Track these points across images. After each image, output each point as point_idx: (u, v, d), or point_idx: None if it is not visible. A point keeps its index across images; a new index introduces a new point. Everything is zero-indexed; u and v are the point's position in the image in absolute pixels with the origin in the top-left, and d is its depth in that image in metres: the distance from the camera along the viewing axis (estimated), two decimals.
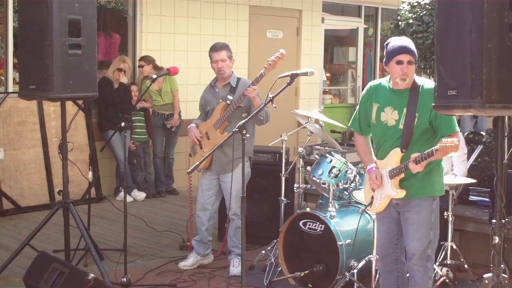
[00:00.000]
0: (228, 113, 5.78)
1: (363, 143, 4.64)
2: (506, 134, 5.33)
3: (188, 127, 6.12)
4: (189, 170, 4.39)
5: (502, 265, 3.64)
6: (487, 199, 6.43)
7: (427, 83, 4.36)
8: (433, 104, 3.74)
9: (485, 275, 3.69)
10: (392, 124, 4.40)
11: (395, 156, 4.36)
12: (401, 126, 4.35)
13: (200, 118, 6.20)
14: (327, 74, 12.47)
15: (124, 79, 8.52)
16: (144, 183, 8.95)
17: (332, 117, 6.93)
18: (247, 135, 4.28)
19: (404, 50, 4.29)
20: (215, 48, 5.93)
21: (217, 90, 6.01)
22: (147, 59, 8.86)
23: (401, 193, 4.37)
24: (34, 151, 8.12)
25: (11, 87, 8.16)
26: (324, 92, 12.18)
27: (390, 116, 4.41)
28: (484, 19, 3.36)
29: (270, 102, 4.56)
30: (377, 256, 4.84)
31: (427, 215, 4.37)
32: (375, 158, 4.54)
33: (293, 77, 4.62)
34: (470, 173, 6.48)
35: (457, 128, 4.35)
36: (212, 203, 6.06)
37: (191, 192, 6.58)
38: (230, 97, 5.87)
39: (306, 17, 11.23)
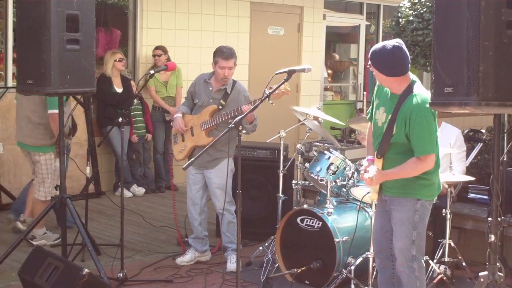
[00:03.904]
0: (219, 120, 5.79)
1: (371, 132, 4.61)
2: (506, 130, 5.32)
3: (174, 116, 6.12)
4: (184, 166, 4.37)
5: (497, 263, 3.63)
6: (486, 197, 6.41)
7: (418, 95, 4.21)
8: (429, 101, 3.72)
9: (480, 273, 3.67)
10: (380, 125, 4.40)
11: (378, 162, 4.38)
12: (383, 131, 4.34)
13: (186, 104, 6.18)
14: (329, 71, 12.44)
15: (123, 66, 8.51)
16: (143, 178, 8.95)
17: (333, 114, 6.91)
18: (243, 131, 4.26)
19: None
20: (225, 56, 5.83)
21: (210, 88, 5.98)
22: (164, 49, 8.86)
23: (373, 195, 4.51)
24: None
25: (10, 82, 8.15)
26: (325, 89, 12.15)
27: (380, 116, 4.41)
28: (481, 16, 3.34)
29: (267, 98, 4.54)
30: (373, 251, 4.84)
31: (409, 215, 4.33)
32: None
33: (290, 73, 4.59)
34: (470, 171, 6.47)
35: (431, 151, 4.22)
36: (201, 197, 6.07)
37: (174, 185, 6.62)
38: (222, 102, 5.87)
39: (307, 13, 11.19)
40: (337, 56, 12.74)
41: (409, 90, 4.27)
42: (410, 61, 4.32)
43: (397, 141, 4.28)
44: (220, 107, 5.88)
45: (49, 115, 6.23)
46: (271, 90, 4.57)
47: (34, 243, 6.30)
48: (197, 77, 6.14)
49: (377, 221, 4.65)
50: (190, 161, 4.41)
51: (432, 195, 4.43)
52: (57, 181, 6.17)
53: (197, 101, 6.03)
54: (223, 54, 5.84)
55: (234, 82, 5.99)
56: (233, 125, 4.26)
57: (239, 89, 5.97)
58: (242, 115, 4.33)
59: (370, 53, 4.32)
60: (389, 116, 4.31)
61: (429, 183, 4.36)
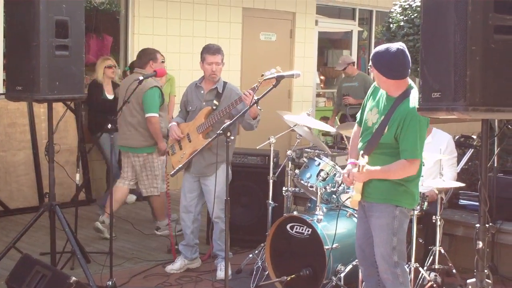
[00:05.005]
0: (214, 120, 5.73)
1: (356, 136, 4.61)
2: (496, 135, 5.29)
3: (169, 125, 6.11)
4: (172, 172, 4.35)
5: (486, 271, 3.60)
6: (477, 203, 6.34)
7: (415, 99, 4.20)
8: (417, 107, 3.70)
9: (468, 281, 3.65)
10: (370, 125, 4.41)
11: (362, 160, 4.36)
12: (374, 130, 4.35)
13: (180, 115, 6.16)
14: (321, 77, 12.43)
15: (117, 73, 8.46)
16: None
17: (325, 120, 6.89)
18: (232, 137, 4.24)
19: None
20: (211, 51, 5.85)
21: (202, 91, 5.96)
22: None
23: (356, 196, 4.42)
24: (24, 153, 8.08)
25: (1, 89, 8.12)
26: (318, 95, 12.15)
27: (372, 116, 4.42)
28: (468, 21, 3.31)
29: (255, 104, 4.52)
30: (357, 259, 4.82)
31: (388, 221, 4.33)
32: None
33: (279, 79, 4.57)
34: (461, 177, 6.45)
35: (419, 156, 4.26)
36: (195, 205, 6.02)
37: (169, 193, 6.60)
38: (216, 102, 5.83)
39: (299, 19, 11.20)
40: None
41: (406, 93, 4.30)
42: (411, 65, 4.33)
43: (385, 142, 4.29)
44: (214, 107, 5.84)
45: (147, 119, 6.73)
46: (259, 96, 4.54)
47: (158, 233, 7.08)
48: (188, 86, 6.13)
49: (359, 228, 4.63)
50: (178, 167, 4.38)
51: (411, 204, 4.45)
52: (161, 177, 6.92)
53: (190, 108, 6.00)
54: (209, 50, 5.87)
55: (225, 83, 5.97)
56: (221, 132, 4.23)
57: (231, 88, 5.94)
58: (231, 121, 4.31)
59: (372, 54, 4.33)
60: (382, 117, 4.32)
61: (409, 191, 4.36)
